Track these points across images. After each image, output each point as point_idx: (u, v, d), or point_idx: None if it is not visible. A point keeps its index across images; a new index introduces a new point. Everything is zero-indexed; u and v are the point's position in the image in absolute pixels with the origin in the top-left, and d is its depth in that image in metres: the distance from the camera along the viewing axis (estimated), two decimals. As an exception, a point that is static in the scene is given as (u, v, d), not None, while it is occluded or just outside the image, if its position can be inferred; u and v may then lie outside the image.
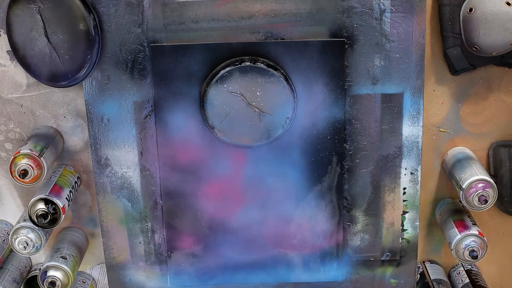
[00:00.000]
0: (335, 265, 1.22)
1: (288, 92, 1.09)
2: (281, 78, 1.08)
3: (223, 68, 1.08)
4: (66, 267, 1.12)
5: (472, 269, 1.22)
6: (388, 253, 1.21)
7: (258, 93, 1.08)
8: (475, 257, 1.11)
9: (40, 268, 1.14)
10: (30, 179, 1.08)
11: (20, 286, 1.21)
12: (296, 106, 1.11)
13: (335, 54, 1.09)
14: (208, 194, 1.17)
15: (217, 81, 1.08)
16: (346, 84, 1.12)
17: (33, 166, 1.08)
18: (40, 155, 1.08)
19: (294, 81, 1.10)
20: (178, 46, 1.09)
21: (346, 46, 1.10)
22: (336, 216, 1.19)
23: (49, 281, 1.12)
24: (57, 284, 1.12)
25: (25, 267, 1.23)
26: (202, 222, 1.18)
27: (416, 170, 1.17)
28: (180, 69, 1.10)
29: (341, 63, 1.10)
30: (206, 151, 1.14)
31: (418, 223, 1.20)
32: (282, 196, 1.17)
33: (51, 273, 1.12)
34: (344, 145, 1.15)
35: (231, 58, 1.09)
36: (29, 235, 1.10)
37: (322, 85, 1.11)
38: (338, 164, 1.16)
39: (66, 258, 1.14)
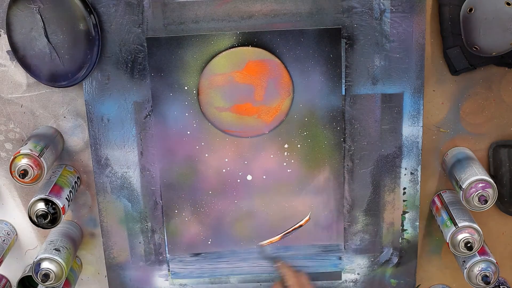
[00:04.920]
0: (335, 265, 1.22)
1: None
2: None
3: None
4: (59, 259, 1.12)
5: None
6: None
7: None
8: (470, 249, 1.11)
9: (33, 261, 1.14)
10: (30, 179, 1.08)
11: None
12: (294, 95, 1.11)
13: (331, 42, 1.09)
14: (207, 188, 1.17)
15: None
16: (346, 84, 1.12)
17: (33, 166, 1.08)
18: (40, 155, 1.08)
19: (291, 70, 1.10)
20: (173, 37, 1.09)
21: (346, 46, 1.10)
22: (336, 216, 1.19)
23: (43, 273, 1.11)
24: (50, 276, 1.11)
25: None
26: (202, 221, 1.18)
27: (416, 170, 1.17)
28: (176, 61, 1.10)
29: (338, 50, 1.09)
30: (204, 143, 1.14)
31: (418, 223, 1.20)
32: (282, 193, 1.17)
33: (44, 265, 1.12)
34: (344, 145, 1.15)
35: (227, 48, 1.09)
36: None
37: (319, 73, 1.11)
38: (338, 163, 1.16)
39: (59, 250, 1.14)
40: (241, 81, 1.10)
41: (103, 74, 1.11)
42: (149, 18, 1.09)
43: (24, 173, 1.07)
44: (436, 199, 1.20)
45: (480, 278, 1.13)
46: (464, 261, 1.15)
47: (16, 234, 1.23)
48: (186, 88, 1.11)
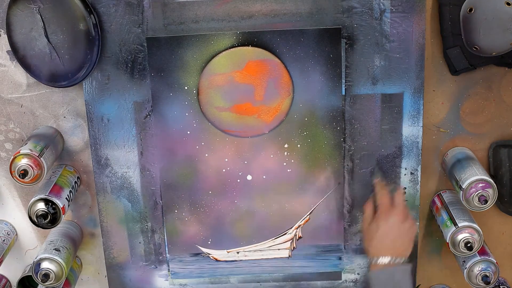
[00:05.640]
0: (335, 265, 1.22)
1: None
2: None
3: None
4: (59, 259, 1.12)
5: None
6: (388, 253, 1.22)
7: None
8: (470, 249, 1.11)
9: (33, 261, 1.14)
10: (30, 179, 1.08)
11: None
12: (294, 95, 1.11)
13: (331, 42, 1.09)
14: (207, 188, 1.17)
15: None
16: (346, 84, 1.12)
17: (33, 166, 1.08)
18: (40, 155, 1.08)
19: (291, 70, 1.10)
20: (173, 37, 1.09)
21: (346, 46, 1.10)
22: (336, 216, 1.19)
23: (43, 273, 1.11)
24: (50, 276, 1.12)
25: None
26: (202, 221, 1.18)
27: (416, 170, 1.17)
28: (176, 61, 1.10)
29: (338, 50, 1.09)
30: (204, 143, 1.14)
31: (418, 223, 1.20)
32: (282, 193, 1.17)
33: (44, 265, 1.12)
34: (344, 145, 1.15)
35: (227, 48, 1.09)
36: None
37: (319, 73, 1.11)
38: (338, 163, 1.16)
39: (59, 250, 1.14)
40: (241, 81, 1.10)
41: (103, 74, 1.11)
42: (149, 18, 1.09)
43: (24, 173, 1.07)
44: (436, 199, 1.20)
45: (480, 278, 1.13)
46: (464, 261, 1.15)
47: (16, 234, 1.23)
48: (186, 88, 1.11)
